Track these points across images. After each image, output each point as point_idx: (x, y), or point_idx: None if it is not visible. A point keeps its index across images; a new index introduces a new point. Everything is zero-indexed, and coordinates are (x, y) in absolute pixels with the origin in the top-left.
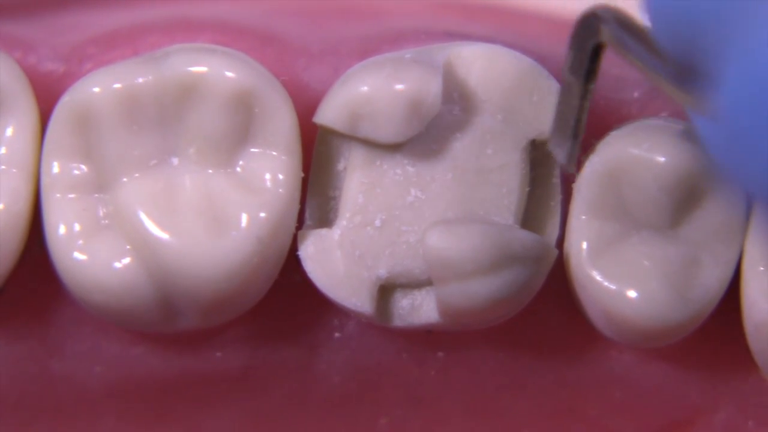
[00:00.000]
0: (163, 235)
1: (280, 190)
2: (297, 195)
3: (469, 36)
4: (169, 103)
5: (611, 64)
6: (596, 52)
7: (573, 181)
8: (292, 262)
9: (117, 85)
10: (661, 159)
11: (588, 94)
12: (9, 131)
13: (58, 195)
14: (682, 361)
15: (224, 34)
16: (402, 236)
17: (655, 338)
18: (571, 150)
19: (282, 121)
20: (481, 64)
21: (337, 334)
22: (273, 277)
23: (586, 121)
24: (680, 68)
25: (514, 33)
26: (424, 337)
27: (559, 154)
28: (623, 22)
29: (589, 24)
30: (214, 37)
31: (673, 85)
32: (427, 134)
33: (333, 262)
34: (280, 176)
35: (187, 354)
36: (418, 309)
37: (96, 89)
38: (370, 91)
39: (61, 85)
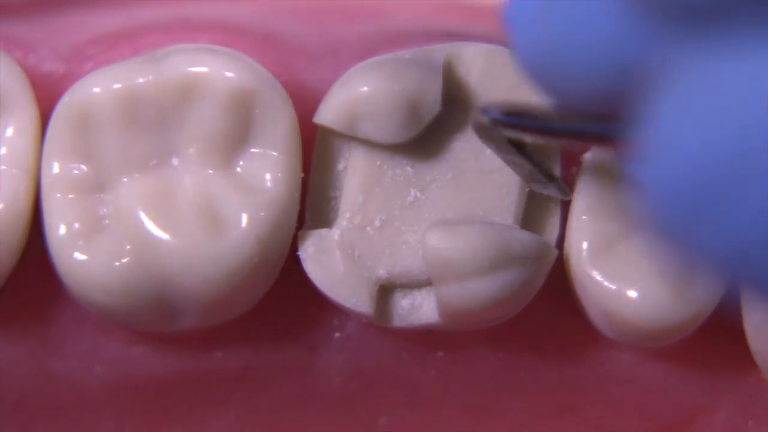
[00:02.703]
0: (164, 235)
1: (280, 190)
2: (297, 195)
3: (469, 36)
4: (169, 103)
5: None
6: (513, 144)
7: (574, 182)
8: (291, 262)
9: (117, 85)
10: None
11: (536, 162)
12: (9, 131)
13: (58, 195)
14: (682, 361)
15: (224, 34)
16: (402, 236)
17: (655, 338)
18: (557, 187)
19: (282, 121)
20: (481, 64)
21: (337, 334)
22: (273, 277)
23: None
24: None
25: None
26: (424, 337)
27: (552, 194)
28: (513, 111)
29: (485, 129)
30: (214, 37)
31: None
32: (427, 134)
33: (333, 262)
34: (280, 176)
35: (187, 354)
36: (418, 309)
37: (96, 89)
38: (370, 92)
39: (62, 86)
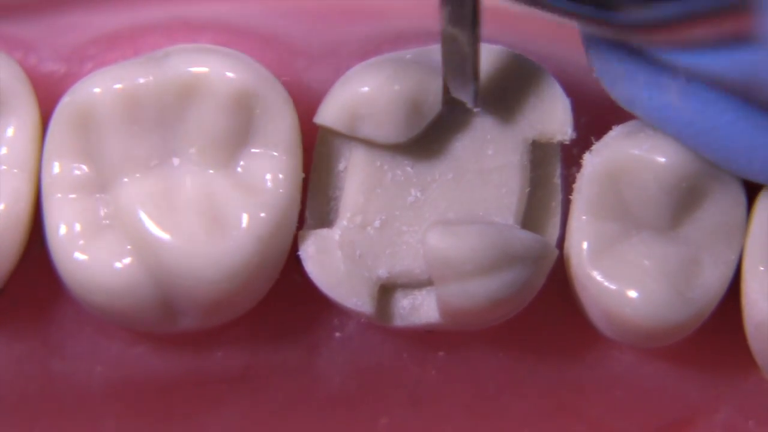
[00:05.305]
0: (164, 235)
1: (281, 191)
2: (297, 195)
3: None
4: (170, 103)
5: None
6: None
7: (574, 182)
8: (292, 262)
9: (118, 86)
10: (662, 159)
11: (477, 39)
12: (10, 131)
13: (58, 195)
14: (682, 361)
15: (225, 34)
16: (402, 236)
17: (655, 338)
18: (475, 91)
19: (283, 121)
20: (481, 65)
21: (337, 334)
22: (273, 277)
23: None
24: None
25: (514, 33)
26: (424, 336)
27: (464, 96)
28: None
29: None
30: (214, 37)
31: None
32: (428, 135)
33: (333, 262)
34: (281, 176)
35: (188, 354)
36: (419, 309)
37: (97, 90)
38: (371, 92)
39: (62, 86)
